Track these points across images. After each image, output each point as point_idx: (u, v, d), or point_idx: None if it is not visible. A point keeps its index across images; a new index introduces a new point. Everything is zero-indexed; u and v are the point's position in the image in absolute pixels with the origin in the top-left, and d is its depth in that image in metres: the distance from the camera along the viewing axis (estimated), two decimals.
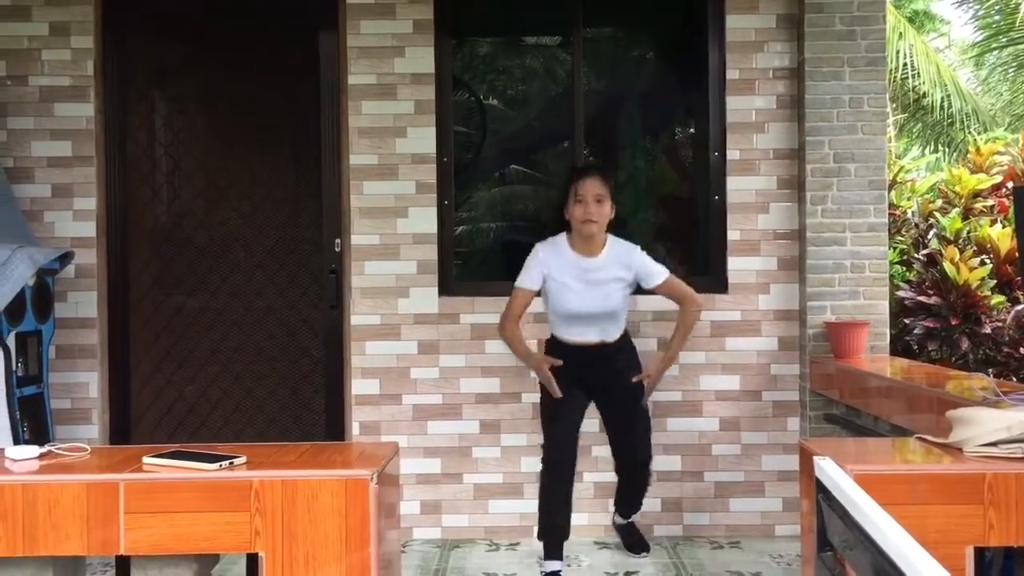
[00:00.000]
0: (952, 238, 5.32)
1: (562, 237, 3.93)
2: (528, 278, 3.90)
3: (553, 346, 4.04)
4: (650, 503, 4.50)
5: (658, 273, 3.92)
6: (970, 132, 10.15)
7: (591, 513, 4.52)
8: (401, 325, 4.56)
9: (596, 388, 4.01)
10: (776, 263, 4.58)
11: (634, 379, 3.96)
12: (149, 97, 4.80)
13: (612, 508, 4.35)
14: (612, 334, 3.95)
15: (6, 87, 4.54)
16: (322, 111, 4.65)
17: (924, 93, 10.55)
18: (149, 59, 4.78)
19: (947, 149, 11.15)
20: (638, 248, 3.94)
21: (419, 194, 4.57)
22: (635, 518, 4.30)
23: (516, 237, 5.10)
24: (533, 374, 4.45)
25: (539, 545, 4.32)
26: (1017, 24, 10.04)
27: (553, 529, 3.87)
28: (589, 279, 3.85)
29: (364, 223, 4.57)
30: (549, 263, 3.87)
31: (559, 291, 3.88)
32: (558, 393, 3.84)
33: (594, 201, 3.79)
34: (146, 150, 4.76)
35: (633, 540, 4.28)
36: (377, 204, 4.57)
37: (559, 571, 3.86)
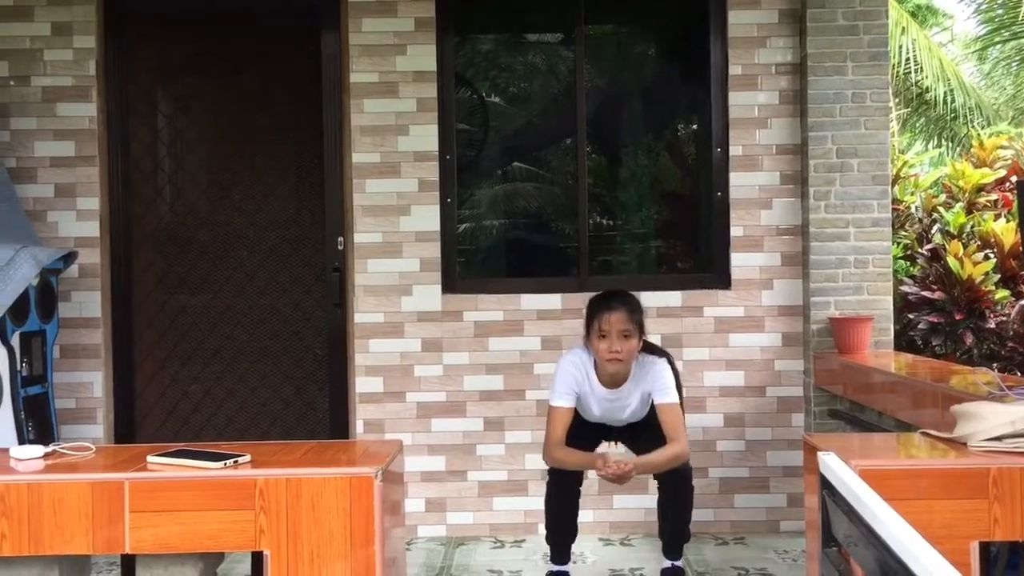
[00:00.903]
0: (956, 233, 5.31)
1: (588, 360, 3.56)
2: (563, 397, 3.53)
3: None
4: (653, 500, 4.48)
5: (663, 392, 3.51)
6: (973, 127, 10.13)
7: (595, 510, 4.52)
8: (404, 323, 4.56)
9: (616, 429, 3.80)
10: (779, 259, 4.58)
11: (612, 467, 3.40)
12: (151, 97, 4.80)
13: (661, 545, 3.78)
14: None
15: (9, 87, 4.54)
16: (324, 109, 4.65)
17: (927, 88, 10.52)
18: (151, 59, 4.78)
19: (950, 144, 11.13)
20: (663, 360, 3.58)
21: (422, 192, 4.57)
22: (682, 563, 3.70)
23: (519, 235, 5.11)
24: (537, 369, 4.46)
25: (544, 542, 4.33)
26: (1020, 18, 10.01)
27: (560, 533, 3.70)
28: (616, 407, 3.62)
29: (367, 221, 4.57)
30: (576, 381, 3.56)
31: (584, 412, 3.65)
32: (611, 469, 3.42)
33: (620, 337, 3.43)
34: (149, 149, 4.76)
35: None
36: (380, 202, 4.57)
37: (567, 573, 3.73)
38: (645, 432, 3.61)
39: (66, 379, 4.48)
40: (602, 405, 3.59)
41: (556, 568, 3.71)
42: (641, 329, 3.50)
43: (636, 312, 3.50)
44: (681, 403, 3.59)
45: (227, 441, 4.30)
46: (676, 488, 3.61)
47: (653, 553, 4.22)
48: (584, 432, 3.65)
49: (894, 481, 2.31)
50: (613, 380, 3.54)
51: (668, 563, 3.70)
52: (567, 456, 3.51)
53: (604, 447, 3.73)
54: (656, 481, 3.65)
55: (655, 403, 3.53)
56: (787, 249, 4.58)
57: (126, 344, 4.68)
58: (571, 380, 3.54)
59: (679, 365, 4.51)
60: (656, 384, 3.52)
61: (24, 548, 2.48)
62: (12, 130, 4.54)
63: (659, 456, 3.46)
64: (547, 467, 3.76)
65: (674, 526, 3.67)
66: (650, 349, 3.65)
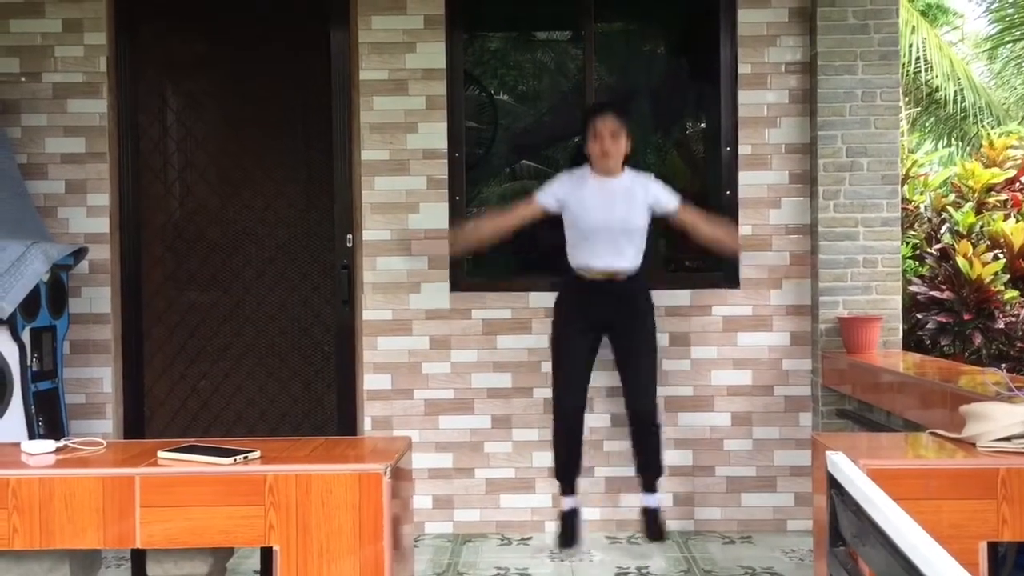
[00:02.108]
0: (965, 232, 5.30)
1: (585, 168, 4.09)
2: (545, 194, 4.07)
3: (569, 283, 4.10)
4: (662, 497, 4.50)
5: (669, 199, 4.06)
6: (983, 126, 10.09)
7: (602, 508, 4.52)
8: (413, 320, 4.57)
9: (610, 326, 4.06)
10: (788, 258, 4.58)
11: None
12: (162, 93, 4.82)
13: (639, 481, 4.18)
14: (631, 258, 4.00)
15: (20, 83, 4.56)
16: (333, 107, 4.66)
17: (937, 87, 10.49)
18: (161, 55, 4.79)
19: (960, 143, 11.09)
20: (653, 176, 4.14)
21: (430, 189, 4.58)
22: (660, 501, 4.15)
23: (527, 233, 5.10)
24: (544, 367, 4.47)
25: (551, 540, 4.35)
26: None
27: (566, 468, 4.12)
28: (609, 192, 3.99)
29: (375, 218, 4.58)
30: (568, 186, 4.04)
31: (579, 206, 3.99)
32: None
33: (610, 136, 3.96)
34: (158, 146, 4.78)
35: (651, 526, 4.13)
36: (388, 200, 4.58)
37: (576, 508, 4.12)
38: (633, 343, 4.04)
39: (76, 375, 4.50)
40: (600, 194, 3.97)
41: (568, 505, 4.13)
42: (630, 132, 4.02)
43: (623, 116, 4.04)
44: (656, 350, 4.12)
45: (236, 437, 4.33)
46: (649, 428, 4.07)
47: (660, 551, 4.23)
48: (578, 347, 4.03)
49: (902, 481, 2.31)
50: (608, 173, 4.01)
51: (651, 502, 4.13)
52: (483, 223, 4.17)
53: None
54: (628, 421, 4.08)
55: (669, 211, 4.04)
56: (796, 248, 4.57)
57: (136, 340, 4.70)
58: (561, 184, 4.05)
59: (687, 364, 4.54)
60: (654, 189, 4.04)
61: (35, 542, 2.50)
62: (23, 126, 4.56)
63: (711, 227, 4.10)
64: (552, 412, 4.11)
65: (651, 461, 4.12)
66: None
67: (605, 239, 3.97)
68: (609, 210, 3.96)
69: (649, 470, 4.14)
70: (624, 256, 3.99)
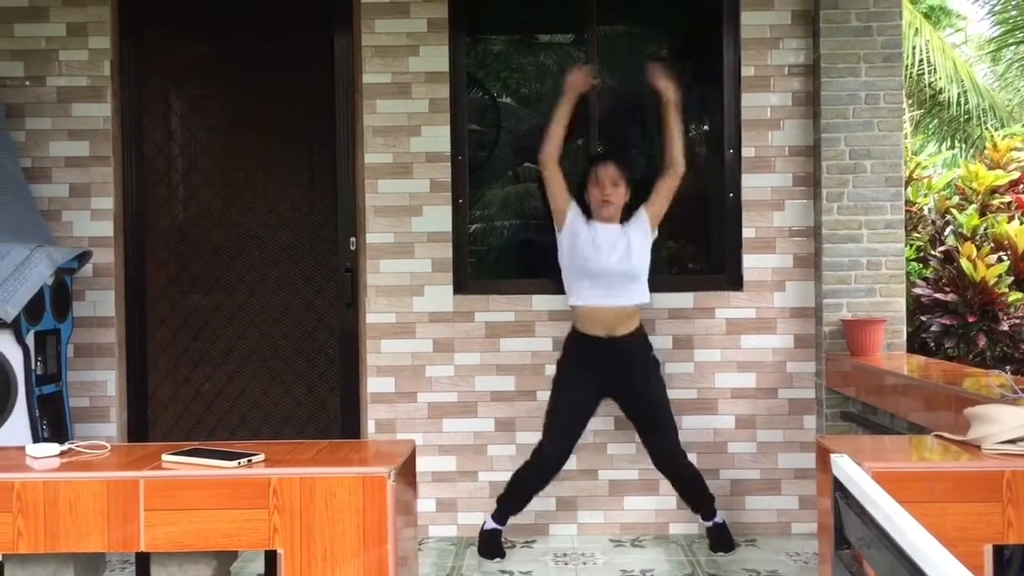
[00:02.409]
0: (969, 235, 5.29)
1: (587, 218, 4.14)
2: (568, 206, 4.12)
3: (573, 340, 4.12)
4: (664, 501, 4.50)
5: (642, 218, 4.10)
6: (987, 128, 10.08)
7: (606, 511, 4.52)
8: (416, 323, 4.57)
9: (614, 385, 4.07)
10: (792, 260, 4.57)
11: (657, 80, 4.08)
12: (165, 97, 4.83)
13: (700, 517, 4.30)
14: (634, 300, 4.02)
15: (24, 88, 4.58)
16: (337, 110, 4.67)
17: (941, 89, 10.48)
18: (165, 59, 4.80)
19: (964, 145, 11.08)
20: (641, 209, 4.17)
21: (433, 192, 4.58)
22: (720, 517, 4.24)
23: (530, 235, 5.11)
24: (548, 370, 4.46)
25: (554, 542, 4.37)
26: None
27: (511, 504, 4.16)
28: (609, 241, 4.03)
29: (379, 222, 4.58)
30: (579, 215, 4.10)
31: (581, 249, 4.02)
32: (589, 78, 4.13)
33: (610, 184, 4.04)
34: (162, 150, 4.79)
35: (723, 539, 4.21)
36: (392, 203, 4.58)
37: (500, 530, 4.17)
38: (650, 411, 4.08)
39: (80, 378, 4.51)
40: (602, 237, 4.02)
41: (491, 527, 4.16)
42: (628, 183, 4.09)
43: (624, 166, 4.12)
44: (665, 390, 4.15)
45: (239, 440, 4.33)
46: (684, 476, 4.14)
47: (664, 554, 4.23)
48: (576, 400, 4.06)
49: (907, 483, 2.30)
50: (608, 221, 4.09)
51: (711, 521, 4.22)
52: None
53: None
54: (660, 471, 4.16)
55: (648, 208, 4.09)
56: (799, 251, 4.57)
57: (140, 343, 4.71)
58: (576, 209, 4.11)
59: (690, 367, 4.54)
60: (641, 216, 4.09)
61: (40, 546, 2.50)
62: (27, 130, 4.57)
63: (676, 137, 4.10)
64: (533, 451, 4.11)
65: (699, 498, 4.19)
66: None
67: (608, 282, 4.01)
68: (608, 257, 4.01)
69: (703, 504, 4.22)
70: (626, 298, 4.02)
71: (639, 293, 4.06)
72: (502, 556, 4.15)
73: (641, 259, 4.06)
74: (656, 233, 4.14)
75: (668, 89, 4.07)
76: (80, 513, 2.49)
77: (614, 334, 4.01)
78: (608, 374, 4.04)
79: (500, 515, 4.17)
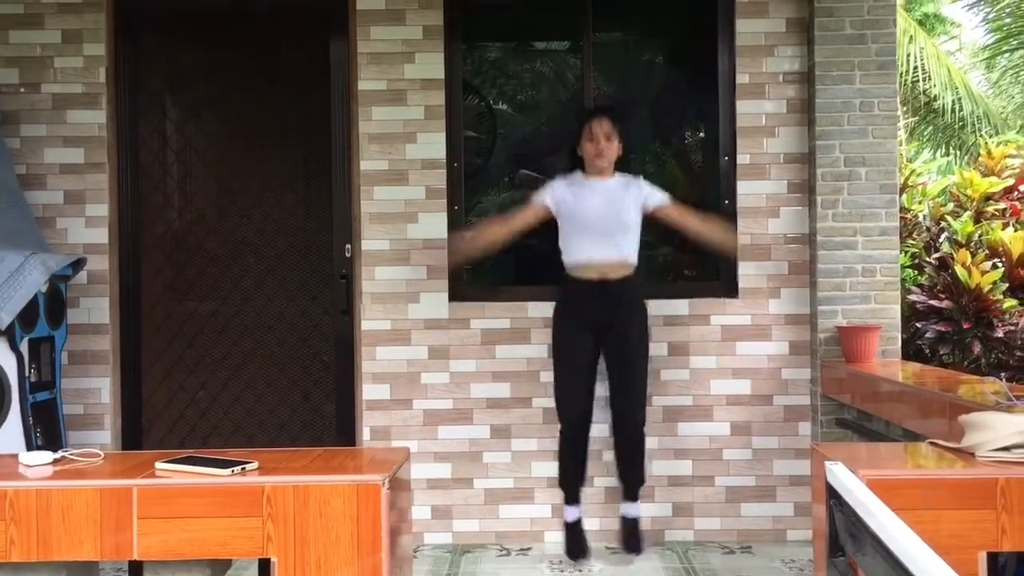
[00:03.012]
0: (964, 242, 5.30)
1: (576, 172, 4.18)
2: (543, 192, 4.16)
3: (565, 287, 4.13)
4: (661, 508, 4.50)
5: (658, 193, 4.13)
6: (981, 135, 10.11)
7: (601, 518, 4.51)
8: (411, 330, 4.57)
9: (605, 328, 4.07)
10: (787, 267, 4.58)
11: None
12: (161, 104, 4.82)
13: (621, 490, 4.24)
14: (625, 251, 4.04)
15: (19, 94, 4.57)
16: (332, 117, 4.67)
17: (935, 96, 10.51)
18: (161, 66, 4.80)
19: (958, 152, 11.10)
20: (642, 178, 4.22)
21: (429, 199, 4.58)
22: (639, 511, 4.20)
23: (526, 242, 5.10)
24: (543, 377, 4.46)
25: (550, 549, 4.36)
26: None
27: (571, 477, 4.17)
28: (602, 191, 4.08)
29: (374, 228, 4.58)
30: (563, 187, 4.13)
31: (574, 205, 4.06)
32: None
33: (604, 137, 4.06)
34: (158, 156, 4.78)
35: (630, 537, 4.19)
36: (387, 209, 4.58)
37: (580, 518, 4.16)
38: (624, 348, 4.07)
39: (74, 385, 4.50)
40: (596, 193, 4.05)
41: (572, 516, 4.17)
42: (622, 137, 4.11)
43: (618, 120, 4.13)
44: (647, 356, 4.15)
45: (234, 448, 4.31)
46: (635, 439, 4.12)
47: (660, 562, 4.22)
48: (577, 358, 4.06)
49: (901, 491, 2.30)
50: (600, 174, 4.10)
51: (632, 512, 4.19)
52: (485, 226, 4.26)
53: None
54: (612, 424, 4.14)
55: (655, 203, 4.10)
56: (794, 258, 4.58)
57: (134, 350, 4.70)
58: (558, 185, 4.12)
59: (686, 374, 4.53)
60: (645, 187, 4.11)
61: (32, 554, 2.49)
62: (22, 137, 4.57)
63: (706, 226, 4.20)
64: (558, 424, 4.13)
65: (634, 470, 4.17)
66: None
67: (598, 234, 4.03)
68: (602, 207, 4.05)
69: (632, 477, 4.18)
70: (618, 248, 4.04)
71: (630, 247, 4.07)
72: (586, 555, 4.15)
73: (633, 214, 4.07)
74: (644, 213, 4.13)
75: (677, 215, 4.16)
76: (73, 521, 2.48)
77: (607, 277, 4.03)
78: (597, 317, 4.03)
79: (570, 496, 4.17)
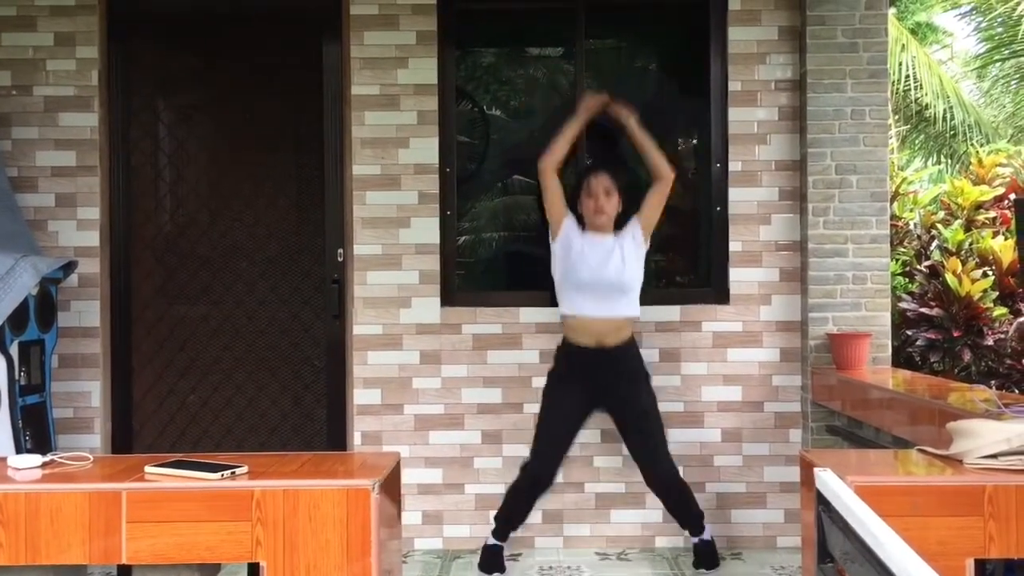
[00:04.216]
0: (954, 250, 5.32)
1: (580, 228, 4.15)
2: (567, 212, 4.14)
3: (563, 353, 4.09)
4: (650, 514, 4.50)
5: (635, 226, 4.11)
6: (972, 144, 10.16)
7: (593, 524, 4.51)
8: (403, 335, 4.57)
9: (604, 396, 4.04)
10: (778, 274, 4.59)
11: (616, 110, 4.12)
12: (153, 107, 4.82)
13: (689, 533, 4.22)
14: (623, 312, 4.01)
15: (11, 97, 4.56)
16: (325, 121, 4.67)
17: (927, 105, 10.56)
18: (153, 69, 4.80)
19: (949, 161, 11.16)
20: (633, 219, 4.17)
21: (421, 204, 4.58)
22: (708, 534, 4.15)
23: (518, 248, 5.12)
24: (535, 382, 4.46)
25: (540, 556, 4.36)
26: (1020, 36, 10.05)
27: (510, 521, 4.14)
28: (602, 251, 4.03)
29: (366, 233, 4.58)
30: (575, 226, 4.10)
31: (574, 258, 4.02)
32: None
33: (603, 194, 4.04)
34: (150, 160, 4.78)
35: (709, 556, 4.14)
36: (380, 214, 4.58)
37: (501, 547, 4.13)
38: (633, 415, 4.03)
39: (64, 388, 4.48)
40: (594, 250, 4.02)
41: (494, 543, 4.14)
42: (620, 192, 4.09)
43: (617, 176, 4.12)
44: (657, 409, 4.08)
45: (224, 452, 4.31)
46: (675, 493, 4.08)
47: (649, 568, 4.22)
48: (565, 409, 4.04)
49: (890, 497, 2.31)
50: (600, 230, 4.09)
51: (697, 539, 4.15)
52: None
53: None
54: (652, 489, 4.10)
55: (638, 227, 4.08)
56: (785, 265, 4.59)
57: (125, 354, 4.69)
58: (572, 218, 4.11)
59: (677, 380, 4.54)
60: (633, 226, 4.09)
61: (20, 557, 2.48)
62: (14, 139, 4.56)
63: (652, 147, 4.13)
64: (523, 463, 4.08)
65: (688, 516, 4.14)
66: None
67: (598, 293, 3.99)
68: (602, 269, 3.99)
69: (692, 522, 4.15)
70: (617, 308, 4.00)
71: (629, 306, 4.04)
72: (502, 571, 4.12)
73: (634, 271, 4.04)
74: (648, 244, 4.12)
75: (624, 116, 4.10)
76: (62, 525, 2.47)
77: (604, 344, 3.99)
78: (596, 385, 4.01)
79: (499, 532, 4.13)
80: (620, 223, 4.10)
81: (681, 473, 4.51)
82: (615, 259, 4.01)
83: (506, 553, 4.19)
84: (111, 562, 2.52)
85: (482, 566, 4.12)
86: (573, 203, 4.14)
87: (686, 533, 4.31)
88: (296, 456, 2.92)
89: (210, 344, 4.73)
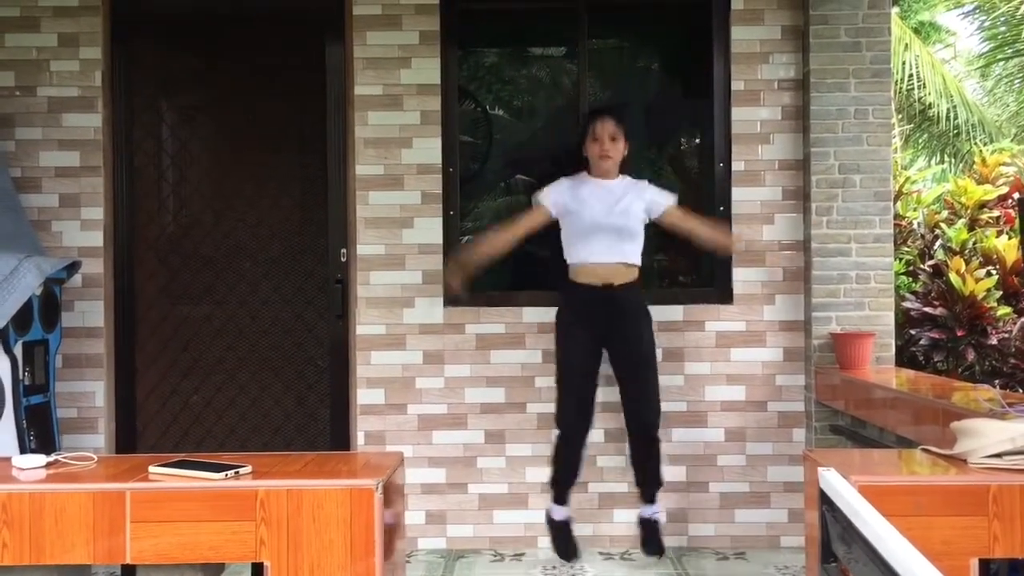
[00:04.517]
0: (958, 249, 5.32)
1: (581, 173, 4.18)
2: (546, 196, 4.15)
3: (568, 294, 4.14)
4: (661, 509, 4.49)
5: (661, 193, 4.16)
6: (976, 143, 10.14)
7: (596, 524, 4.51)
8: (406, 335, 4.57)
9: (609, 337, 4.08)
10: (781, 274, 4.58)
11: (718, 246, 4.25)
12: (156, 107, 4.82)
13: (638, 493, 4.23)
14: (629, 256, 4.07)
15: (15, 97, 4.57)
16: (328, 121, 4.67)
17: (930, 104, 10.55)
18: (157, 70, 4.80)
19: (953, 160, 11.14)
20: (647, 181, 4.22)
21: (424, 204, 4.58)
22: (658, 515, 4.18)
23: (521, 248, 5.11)
24: (538, 382, 4.47)
25: (543, 555, 4.36)
26: (1023, 35, 10.04)
27: (562, 480, 4.16)
28: (607, 193, 4.07)
29: (370, 233, 4.58)
30: (567, 187, 4.12)
31: (579, 207, 4.06)
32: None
33: (609, 138, 4.06)
34: (153, 160, 4.78)
35: (649, 537, 4.17)
36: (383, 214, 4.58)
37: (568, 520, 4.19)
38: (633, 353, 4.06)
39: (68, 388, 4.49)
40: (599, 196, 4.04)
41: (559, 516, 4.19)
42: (627, 136, 4.10)
43: (623, 120, 4.11)
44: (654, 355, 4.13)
45: (228, 452, 4.31)
46: (650, 441, 4.10)
47: (653, 568, 4.22)
48: (580, 360, 4.06)
49: (894, 497, 2.30)
50: (606, 175, 4.11)
51: (649, 513, 4.16)
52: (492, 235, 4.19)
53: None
54: (629, 432, 4.14)
55: (661, 208, 4.11)
56: (789, 264, 4.58)
57: (128, 354, 4.69)
58: (561, 186, 4.12)
59: (680, 380, 4.54)
60: (649, 188, 4.14)
61: (25, 557, 2.48)
62: (17, 140, 4.56)
63: (704, 228, 4.20)
64: (556, 427, 4.13)
65: (651, 473, 4.15)
66: None
67: (603, 237, 4.04)
68: (607, 209, 4.05)
69: (649, 482, 4.17)
70: (622, 253, 4.06)
71: (635, 253, 4.09)
72: (577, 556, 4.18)
73: (637, 223, 4.09)
74: (648, 219, 4.15)
75: (680, 219, 4.19)
76: (66, 525, 2.47)
77: (610, 283, 4.05)
78: (602, 324, 4.04)
79: (558, 496, 4.17)
80: (626, 168, 4.17)
81: (684, 473, 4.53)
82: (622, 204, 4.06)
83: (506, 551, 4.19)
84: (115, 562, 2.52)
85: (559, 549, 4.20)
86: (577, 152, 4.20)
87: (690, 532, 4.31)
88: (300, 456, 2.92)
89: (213, 344, 4.74)
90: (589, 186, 4.11)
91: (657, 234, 4.28)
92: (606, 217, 4.04)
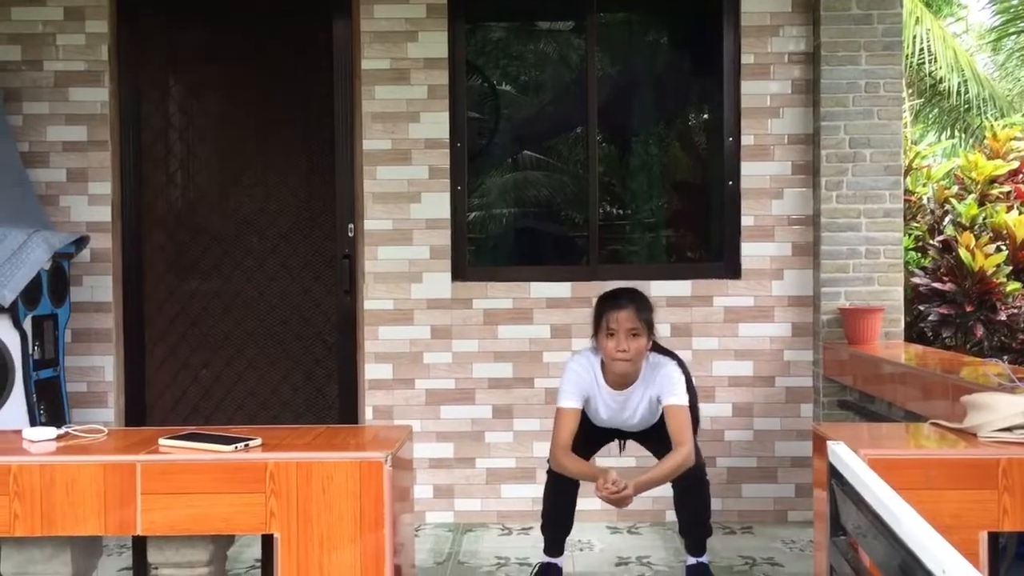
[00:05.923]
0: (968, 224, 5.29)
1: (596, 362, 3.43)
2: (570, 397, 3.39)
3: None
4: (662, 488, 4.49)
5: (670, 393, 3.35)
6: (987, 118, 10.06)
7: None
8: (414, 310, 4.57)
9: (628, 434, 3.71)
10: (790, 249, 4.57)
11: (610, 487, 3.20)
12: (164, 82, 4.81)
13: (684, 548, 3.73)
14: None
15: (21, 72, 4.56)
16: (335, 96, 4.65)
17: (941, 78, 10.46)
18: (164, 44, 4.78)
19: (963, 135, 11.06)
20: (673, 363, 3.43)
21: (432, 179, 4.57)
22: (707, 558, 3.62)
23: (529, 223, 5.11)
24: (546, 357, 4.47)
25: None
26: None
27: (554, 525, 3.60)
28: (620, 409, 3.48)
29: (377, 208, 4.57)
30: (585, 385, 3.42)
31: (592, 412, 3.50)
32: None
33: (627, 336, 3.30)
34: (160, 135, 4.77)
35: None
36: (390, 189, 4.57)
37: (560, 567, 3.61)
38: (656, 434, 3.49)
39: (77, 363, 4.51)
40: (610, 408, 3.45)
41: (548, 560, 3.59)
42: (650, 328, 3.36)
43: (644, 311, 3.35)
44: (694, 406, 3.46)
45: (237, 426, 4.33)
46: (689, 486, 3.49)
47: (660, 541, 4.24)
48: (594, 435, 3.59)
49: (903, 471, 2.30)
50: (621, 381, 3.40)
51: (693, 560, 3.62)
52: (571, 464, 3.35)
53: (612, 459, 3.72)
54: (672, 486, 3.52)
55: (662, 404, 3.37)
56: (798, 239, 4.57)
57: (137, 328, 4.71)
58: (579, 380, 3.40)
59: (688, 355, 4.52)
60: (664, 386, 3.36)
61: (37, 529, 2.50)
62: (24, 114, 4.55)
63: (660, 470, 3.30)
64: (548, 466, 3.60)
65: (693, 523, 3.60)
66: (661, 351, 3.50)
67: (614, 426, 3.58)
68: (623, 417, 3.50)
69: (695, 530, 3.61)
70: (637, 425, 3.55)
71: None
72: None
73: (651, 415, 3.48)
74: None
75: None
76: (77, 496, 2.49)
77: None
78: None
79: (549, 546, 3.60)
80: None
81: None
82: (639, 412, 3.45)
83: (514, 524, 4.16)
84: (126, 533, 2.54)
85: None
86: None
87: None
88: (309, 429, 2.93)
89: (222, 319, 4.75)
90: (603, 398, 3.43)
91: (667, 210, 4.26)
92: (622, 424, 3.52)
